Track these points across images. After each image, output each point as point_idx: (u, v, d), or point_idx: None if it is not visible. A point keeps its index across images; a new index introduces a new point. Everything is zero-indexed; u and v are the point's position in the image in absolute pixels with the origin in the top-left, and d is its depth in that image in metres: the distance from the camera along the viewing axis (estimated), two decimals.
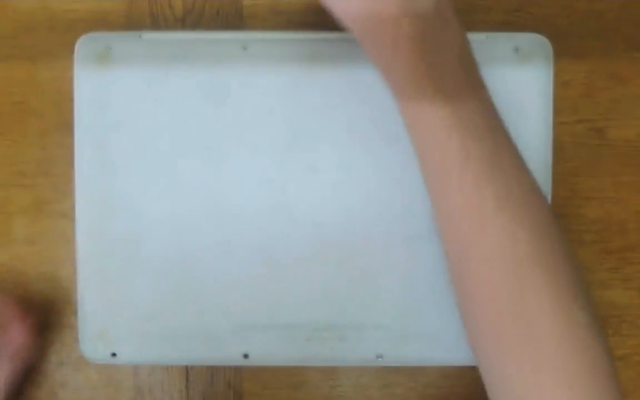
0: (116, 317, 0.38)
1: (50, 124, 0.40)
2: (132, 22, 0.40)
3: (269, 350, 0.38)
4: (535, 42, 0.37)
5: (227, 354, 0.38)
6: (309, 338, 0.38)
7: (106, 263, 0.37)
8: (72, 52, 0.37)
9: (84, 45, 0.37)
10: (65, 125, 0.40)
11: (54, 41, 0.40)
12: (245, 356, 0.38)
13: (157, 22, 0.40)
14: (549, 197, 0.38)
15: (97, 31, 0.38)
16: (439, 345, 0.38)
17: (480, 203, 0.29)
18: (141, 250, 0.37)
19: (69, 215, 0.40)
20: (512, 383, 0.28)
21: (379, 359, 0.38)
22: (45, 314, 0.40)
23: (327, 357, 0.38)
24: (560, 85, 0.40)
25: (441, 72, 0.29)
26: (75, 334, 0.40)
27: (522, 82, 0.37)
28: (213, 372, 0.41)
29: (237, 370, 0.41)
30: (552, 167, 0.37)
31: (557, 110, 0.39)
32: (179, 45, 0.37)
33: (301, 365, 0.41)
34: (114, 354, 0.38)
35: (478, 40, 0.37)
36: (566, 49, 0.40)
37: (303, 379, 0.41)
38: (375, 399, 0.41)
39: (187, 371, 0.41)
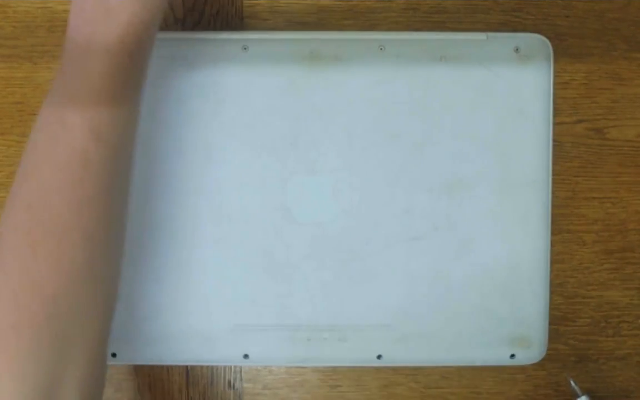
0: (116, 317, 0.37)
1: None
2: None
3: (269, 350, 0.38)
4: (535, 42, 0.37)
5: (227, 354, 0.38)
6: (309, 338, 0.38)
7: None
8: None
9: None
10: None
11: (54, 41, 0.40)
12: (245, 356, 0.38)
13: None
14: (549, 197, 0.38)
15: None
16: (439, 345, 0.38)
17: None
18: (141, 250, 0.37)
19: None
20: None
21: (379, 359, 0.38)
22: None
23: (327, 357, 0.38)
24: (560, 85, 0.39)
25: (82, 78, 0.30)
26: None
27: (522, 82, 0.37)
28: (213, 372, 0.41)
29: (237, 370, 0.41)
30: (552, 167, 0.37)
31: (557, 110, 0.39)
32: (179, 45, 0.37)
33: (301, 365, 0.41)
34: (114, 354, 0.38)
35: (478, 40, 0.37)
36: (566, 49, 0.40)
37: (303, 379, 0.41)
38: (375, 399, 0.41)
39: (187, 371, 0.41)
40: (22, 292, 0.28)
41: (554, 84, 0.37)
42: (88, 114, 0.30)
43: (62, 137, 0.29)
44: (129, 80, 0.31)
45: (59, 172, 0.29)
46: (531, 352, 0.38)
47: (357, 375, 0.41)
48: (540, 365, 0.39)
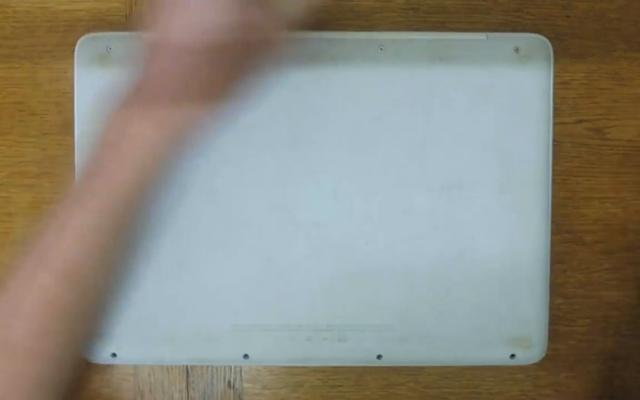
0: (116, 317, 0.37)
1: (50, 124, 0.40)
2: (132, 22, 0.40)
3: (269, 350, 0.38)
4: (535, 42, 0.37)
5: (227, 354, 0.38)
6: (309, 338, 0.38)
7: None
8: (72, 52, 0.37)
9: (84, 46, 0.37)
10: (65, 125, 0.40)
11: (54, 41, 0.40)
12: (245, 356, 0.38)
13: None
14: (549, 197, 0.38)
15: (97, 31, 0.39)
16: (439, 345, 0.38)
17: None
18: (141, 250, 0.37)
19: None
20: None
21: (379, 359, 0.38)
22: None
23: (327, 357, 0.38)
24: (560, 85, 0.39)
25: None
26: None
27: (522, 82, 0.37)
28: (213, 372, 0.41)
29: (237, 370, 0.41)
30: (552, 167, 0.37)
31: (557, 110, 0.39)
32: None
33: (301, 365, 0.41)
34: (114, 354, 0.38)
35: (478, 40, 0.37)
36: (566, 49, 0.40)
37: (303, 379, 0.41)
38: (375, 399, 0.41)
39: (187, 371, 0.41)
40: None
41: (554, 84, 0.37)
42: (66, 266, 0.31)
43: (39, 276, 0.31)
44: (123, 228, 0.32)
45: (32, 305, 0.31)
46: (531, 352, 0.38)
47: (357, 375, 0.41)
48: (540, 365, 0.39)
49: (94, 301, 0.34)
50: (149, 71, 0.31)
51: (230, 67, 0.31)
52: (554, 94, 0.37)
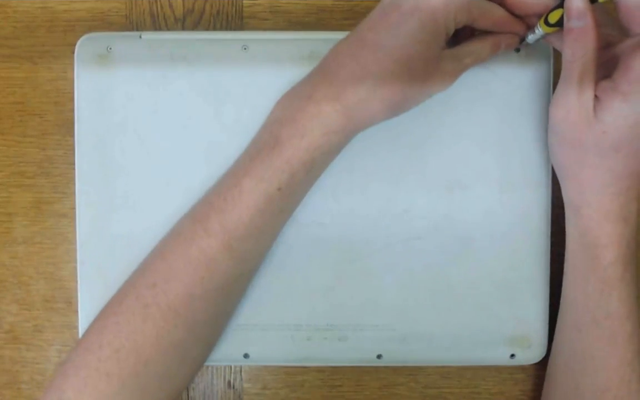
0: None
1: (50, 124, 0.40)
2: (132, 22, 0.40)
3: (269, 350, 0.38)
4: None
5: (227, 354, 0.38)
6: (309, 338, 0.38)
7: (106, 263, 0.37)
8: (72, 52, 0.37)
9: (84, 46, 0.37)
10: (65, 125, 0.40)
11: (54, 41, 0.40)
12: (245, 356, 0.38)
13: (157, 22, 0.40)
14: (549, 197, 0.38)
15: (97, 31, 0.39)
16: (439, 345, 0.38)
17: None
18: (141, 250, 0.37)
19: (69, 215, 0.40)
20: None
21: (379, 359, 0.38)
22: (46, 314, 0.40)
23: (327, 357, 0.38)
24: None
25: None
26: (76, 334, 0.40)
27: (522, 82, 0.37)
28: (213, 372, 0.41)
29: (237, 370, 0.41)
30: (552, 167, 0.37)
31: None
32: (179, 45, 0.37)
33: (301, 365, 0.41)
34: None
35: None
36: None
37: (303, 379, 0.41)
38: (375, 399, 0.41)
39: None
40: (124, 349, 0.32)
41: (554, 84, 0.37)
42: (228, 232, 0.32)
43: (200, 239, 0.32)
44: (281, 209, 0.33)
45: (187, 267, 0.32)
46: (531, 352, 0.38)
47: (357, 375, 0.41)
48: (540, 365, 0.39)
49: (247, 273, 0.35)
50: (335, 52, 0.32)
51: (423, 67, 0.31)
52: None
